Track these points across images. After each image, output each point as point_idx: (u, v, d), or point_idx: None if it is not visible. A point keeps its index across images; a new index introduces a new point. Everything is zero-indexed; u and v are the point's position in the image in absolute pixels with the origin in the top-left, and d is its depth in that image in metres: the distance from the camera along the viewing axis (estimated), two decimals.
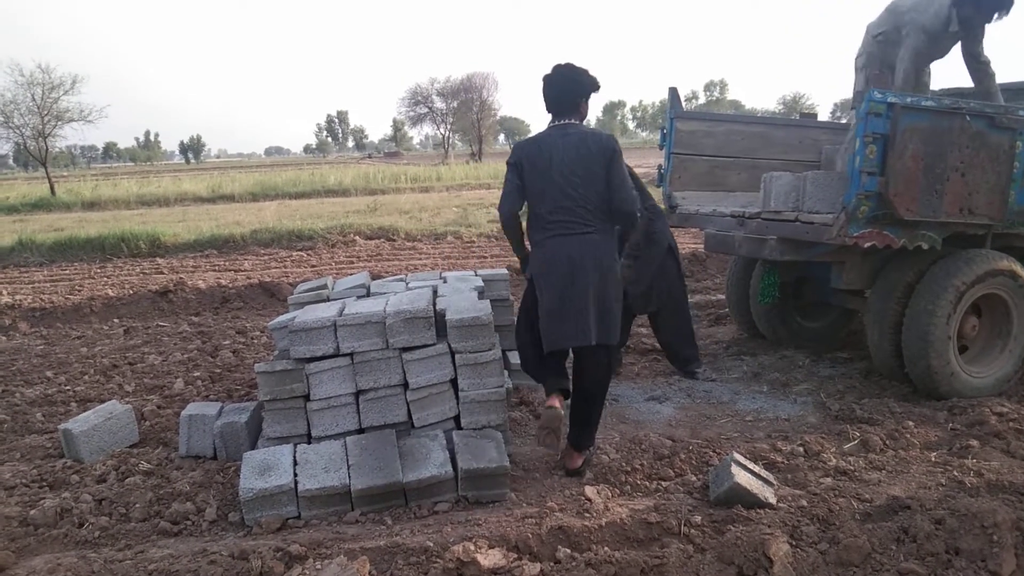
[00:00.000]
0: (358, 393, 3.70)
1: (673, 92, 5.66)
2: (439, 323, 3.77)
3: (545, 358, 3.68)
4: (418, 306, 3.75)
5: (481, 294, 4.54)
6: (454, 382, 3.74)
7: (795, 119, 6.75)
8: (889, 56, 4.94)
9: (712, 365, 5.35)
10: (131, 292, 8.60)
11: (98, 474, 3.73)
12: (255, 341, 6.54)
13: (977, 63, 4.95)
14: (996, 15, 4.78)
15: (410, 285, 4.77)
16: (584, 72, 3.64)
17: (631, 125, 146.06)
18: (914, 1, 4.85)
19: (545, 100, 3.66)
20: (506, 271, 5.25)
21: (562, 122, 3.61)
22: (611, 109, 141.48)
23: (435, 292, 4.39)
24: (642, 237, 4.87)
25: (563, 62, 3.63)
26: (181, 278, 9.14)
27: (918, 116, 3.99)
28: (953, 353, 4.36)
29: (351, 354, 3.67)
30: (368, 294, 4.62)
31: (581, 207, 3.49)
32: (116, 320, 7.69)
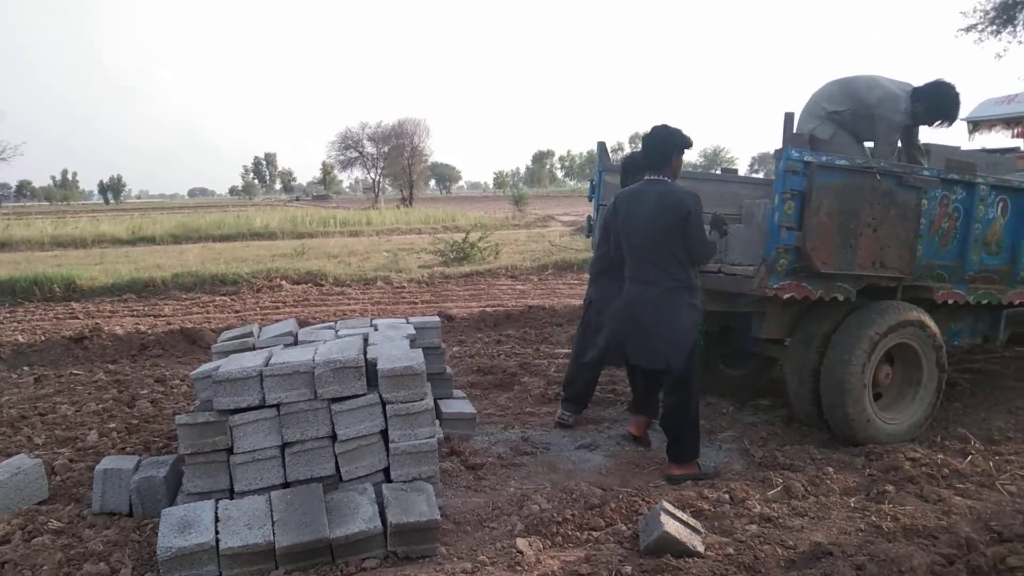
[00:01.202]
0: (284, 445, 3.60)
1: (601, 146, 5.82)
2: (370, 372, 3.72)
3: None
4: (348, 355, 3.70)
5: (413, 342, 4.51)
6: (384, 433, 3.68)
7: (717, 174, 7.01)
8: (855, 131, 5.21)
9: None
10: (43, 338, 8.23)
11: (1, 535, 3.51)
12: (175, 390, 6.32)
13: (915, 150, 5.31)
14: (938, 122, 5.17)
15: (340, 333, 4.71)
16: (677, 131, 4.18)
17: (559, 174, 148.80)
18: (878, 96, 5.07)
19: (642, 155, 4.29)
20: (437, 318, 5.25)
21: (652, 177, 4.19)
22: (540, 158, 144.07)
23: (366, 340, 4.34)
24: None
25: (660, 123, 4.20)
26: (97, 323, 8.78)
27: (832, 174, 4.21)
28: (868, 401, 4.54)
29: (277, 405, 3.58)
30: (296, 342, 4.54)
31: (652, 258, 4.10)
32: (26, 368, 7.31)
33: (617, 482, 4.09)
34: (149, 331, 8.55)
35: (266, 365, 3.65)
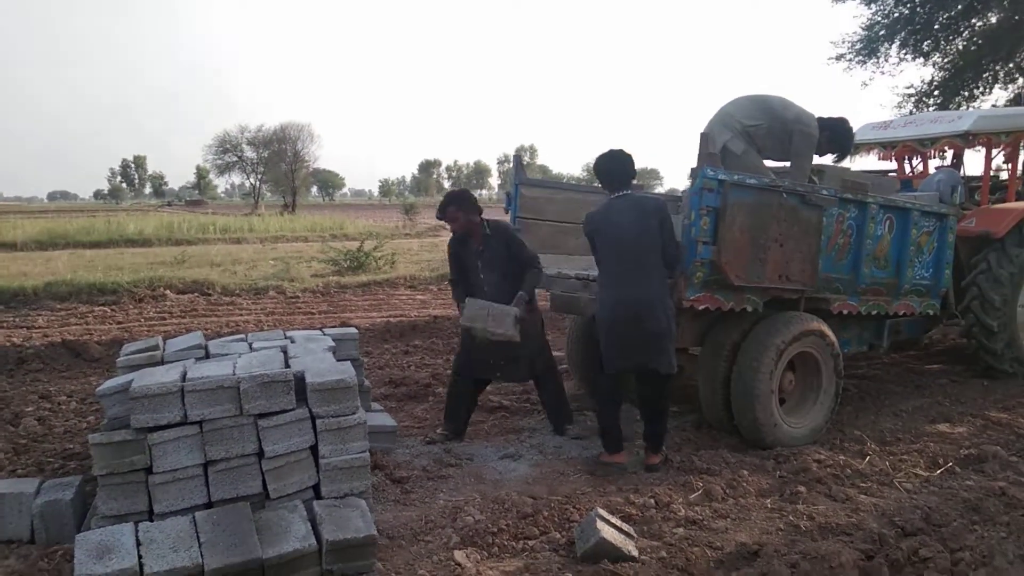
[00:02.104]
0: (207, 464, 3.43)
1: (517, 159, 5.90)
2: (297, 386, 3.61)
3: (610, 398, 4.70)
4: (275, 369, 3.58)
5: (334, 354, 4.40)
6: (313, 448, 3.58)
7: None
8: (765, 147, 5.39)
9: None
10: None
11: None
12: (62, 407, 5.89)
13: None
14: (834, 155, 5.65)
15: (255, 346, 4.53)
16: (630, 156, 4.63)
17: (446, 183, 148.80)
18: (795, 113, 5.30)
19: (601, 176, 4.65)
20: (355, 330, 5.15)
21: (620, 193, 4.55)
22: (427, 167, 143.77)
23: (286, 353, 4.21)
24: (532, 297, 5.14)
25: (614, 148, 4.62)
26: None
27: (744, 192, 4.43)
28: (775, 406, 4.79)
29: (200, 422, 3.41)
30: (208, 355, 4.34)
31: (643, 263, 4.37)
32: None
33: (545, 490, 4.13)
34: (26, 344, 7.94)
35: (185, 380, 3.48)
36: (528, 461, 4.67)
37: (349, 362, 3.95)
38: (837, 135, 5.47)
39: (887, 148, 7.59)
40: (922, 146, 7.25)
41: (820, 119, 5.38)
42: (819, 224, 4.80)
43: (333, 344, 4.56)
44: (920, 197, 6.06)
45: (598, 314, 4.59)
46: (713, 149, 5.25)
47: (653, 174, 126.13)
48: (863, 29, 14.60)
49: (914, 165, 7.98)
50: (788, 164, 5.34)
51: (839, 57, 14.99)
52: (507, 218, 5.85)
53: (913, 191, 6.87)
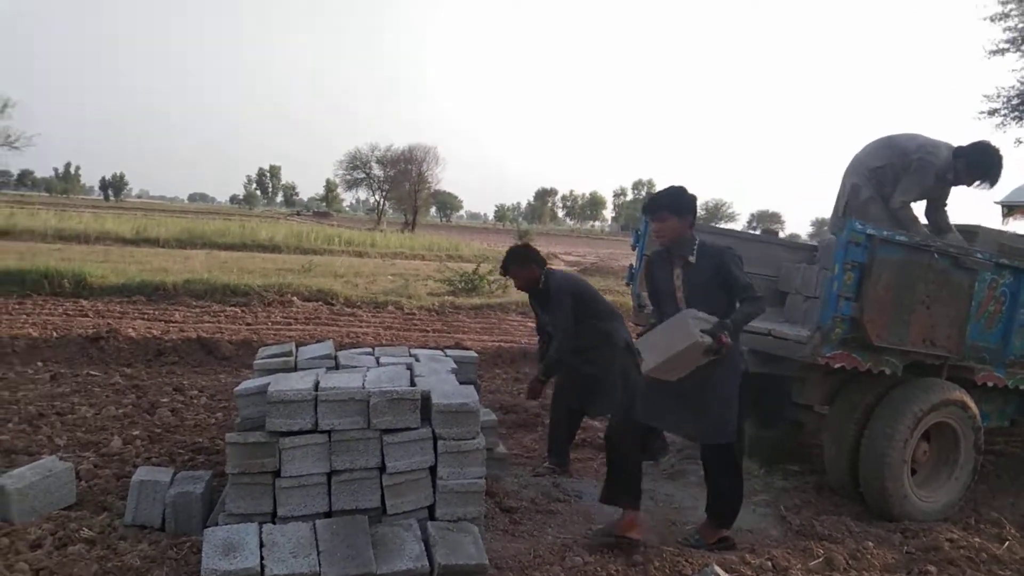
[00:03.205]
0: (331, 473, 3.54)
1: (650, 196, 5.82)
2: (423, 406, 3.68)
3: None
4: (403, 386, 3.67)
5: (456, 377, 4.47)
6: (432, 469, 3.63)
7: (759, 235, 7.05)
8: (884, 187, 5.21)
9: (671, 467, 5.38)
10: (56, 335, 8.12)
11: (32, 539, 3.42)
12: (194, 401, 6.24)
13: (943, 220, 5.31)
14: (978, 183, 5.15)
15: (381, 360, 4.66)
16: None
17: (560, 213, 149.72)
18: (919, 143, 5.15)
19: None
20: (475, 354, 5.23)
21: None
22: (542, 195, 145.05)
23: (411, 371, 4.30)
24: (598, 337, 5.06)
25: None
26: (111, 324, 8.70)
27: (892, 249, 4.23)
28: (907, 476, 4.51)
29: (329, 431, 3.53)
30: (337, 366, 4.49)
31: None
32: (40, 363, 7.22)
33: (655, 538, 4.03)
34: (164, 337, 8.46)
35: (317, 389, 3.61)
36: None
37: (472, 387, 3.99)
38: (976, 160, 5.06)
39: None
40: None
41: (958, 147, 5.09)
42: (970, 288, 4.52)
43: (454, 366, 4.64)
44: None
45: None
46: (863, 198, 5.08)
47: (774, 217, 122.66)
48: (1021, 83, 13.76)
49: None
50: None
51: (992, 112, 14.15)
52: (634, 255, 5.80)
53: None
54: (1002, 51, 13.60)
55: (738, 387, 3.82)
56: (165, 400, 6.17)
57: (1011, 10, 13.26)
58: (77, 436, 5.05)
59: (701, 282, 3.80)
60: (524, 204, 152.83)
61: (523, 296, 14.76)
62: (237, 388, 3.95)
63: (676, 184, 3.92)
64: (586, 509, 4.43)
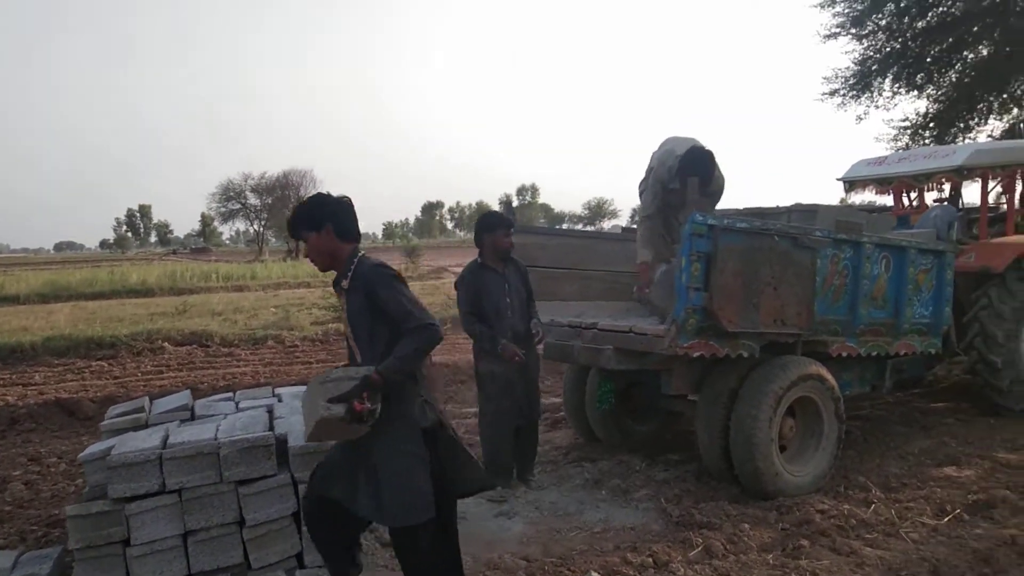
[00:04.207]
0: (187, 534, 3.33)
1: (507, 206, 5.85)
2: (280, 450, 3.52)
3: None
4: (256, 432, 3.49)
5: None
6: (296, 515, 3.47)
7: (618, 234, 7.18)
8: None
9: (555, 472, 5.37)
10: None
11: None
12: (52, 469, 5.79)
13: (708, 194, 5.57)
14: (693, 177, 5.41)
15: (241, 405, 4.45)
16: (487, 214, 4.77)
17: (449, 224, 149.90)
18: (660, 153, 5.61)
19: None
20: None
21: None
22: (429, 209, 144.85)
23: (271, 413, 4.12)
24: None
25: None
26: None
27: (735, 237, 4.37)
28: (776, 454, 4.66)
29: (179, 490, 3.32)
30: (193, 417, 4.25)
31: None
32: None
33: (540, 551, 4.00)
34: (18, 403, 7.86)
35: (164, 446, 3.40)
36: (523, 519, 4.53)
37: None
38: (685, 161, 5.41)
39: (883, 184, 7.54)
40: (917, 182, 7.21)
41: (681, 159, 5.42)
42: (813, 266, 4.72)
43: None
44: (917, 234, 5.99)
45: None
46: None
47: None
48: (855, 64, 14.68)
49: (911, 200, 7.92)
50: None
51: (833, 93, 15.04)
52: None
53: (911, 227, 6.81)
54: (835, 35, 14.49)
55: (417, 452, 2.89)
56: (18, 473, 5.70)
57: None
58: None
59: (356, 312, 3.00)
60: (412, 219, 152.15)
61: None
62: (81, 454, 3.69)
63: (314, 194, 3.17)
64: (470, 530, 4.32)
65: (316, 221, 2.97)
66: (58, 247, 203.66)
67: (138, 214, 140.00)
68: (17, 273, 35.64)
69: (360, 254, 3.02)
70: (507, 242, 4.97)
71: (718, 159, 5.44)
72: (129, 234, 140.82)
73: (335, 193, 3.07)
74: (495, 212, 5.22)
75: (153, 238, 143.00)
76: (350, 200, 3.07)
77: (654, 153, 5.67)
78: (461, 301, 5.01)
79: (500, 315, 4.89)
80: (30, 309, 19.42)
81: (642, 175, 5.76)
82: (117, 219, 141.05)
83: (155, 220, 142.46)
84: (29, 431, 7.18)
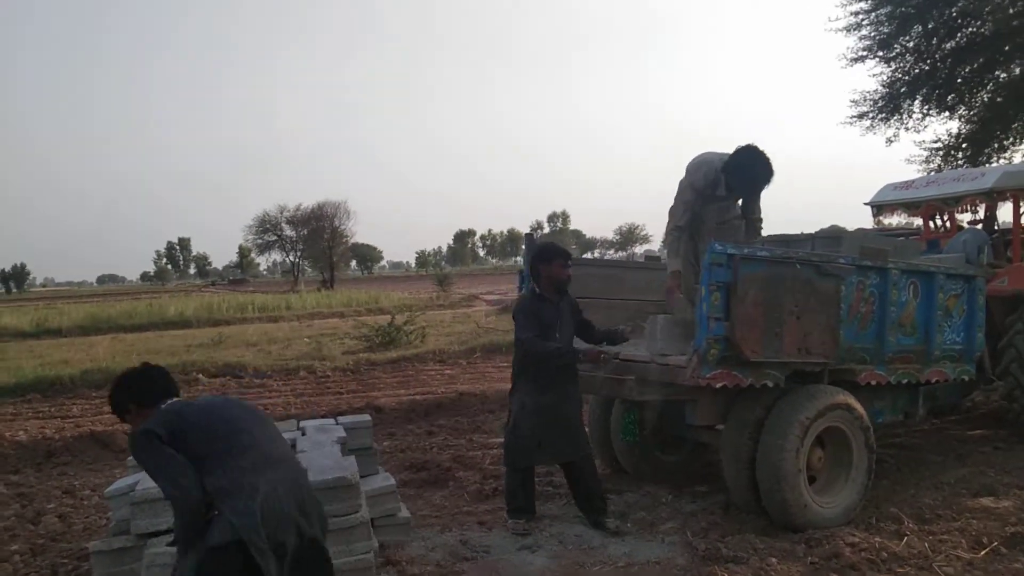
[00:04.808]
0: None
1: (529, 237, 5.88)
2: None
3: None
4: None
5: (343, 445, 4.34)
6: None
7: (643, 262, 7.17)
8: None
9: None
10: None
11: None
12: (85, 502, 5.90)
13: (751, 219, 5.43)
14: (749, 189, 5.27)
15: None
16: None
17: (481, 252, 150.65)
18: (690, 164, 5.39)
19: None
20: (368, 418, 5.10)
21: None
22: (461, 237, 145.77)
23: (294, 447, 4.16)
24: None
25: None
26: None
27: (755, 265, 4.34)
28: (804, 485, 4.57)
29: None
30: None
31: None
32: None
33: None
34: (56, 436, 8.03)
35: None
36: (546, 552, 4.49)
37: (352, 457, 3.88)
38: (735, 168, 5.11)
39: (911, 208, 7.44)
40: (946, 205, 7.10)
41: (724, 162, 5.15)
42: (837, 294, 4.67)
43: (344, 435, 4.51)
44: (945, 259, 5.89)
45: None
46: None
47: None
48: (883, 86, 14.54)
49: (943, 223, 7.80)
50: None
51: (861, 116, 14.89)
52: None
53: (941, 252, 6.70)
54: (862, 59, 14.37)
55: None
56: (52, 506, 5.82)
57: (863, 20, 14.06)
58: None
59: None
60: (445, 248, 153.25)
61: (440, 345, 14.75)
62: (107, 489, 3.76)
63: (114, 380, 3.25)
64: (493, 565, 4.33)
65: (122, 407, 3.04)
66: (100, 280, 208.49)
67: (177, 246, 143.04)
68: (60, 306, 36.58)
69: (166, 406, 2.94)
70: (564, 273, 4.85)
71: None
72: (169, 266, 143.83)
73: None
74: (551, 244, 5.11)
75: (192, 270, 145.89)
76: (143, 368, 3.19)
77: (688, 165, 5.40)
78: (523, 327, 4.81)
79: None
80: (71, 342, 19.91)
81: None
82: (157, 252, 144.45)
83: (194, 252, 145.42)
84: (65, 463, 7.32)
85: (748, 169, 5.11)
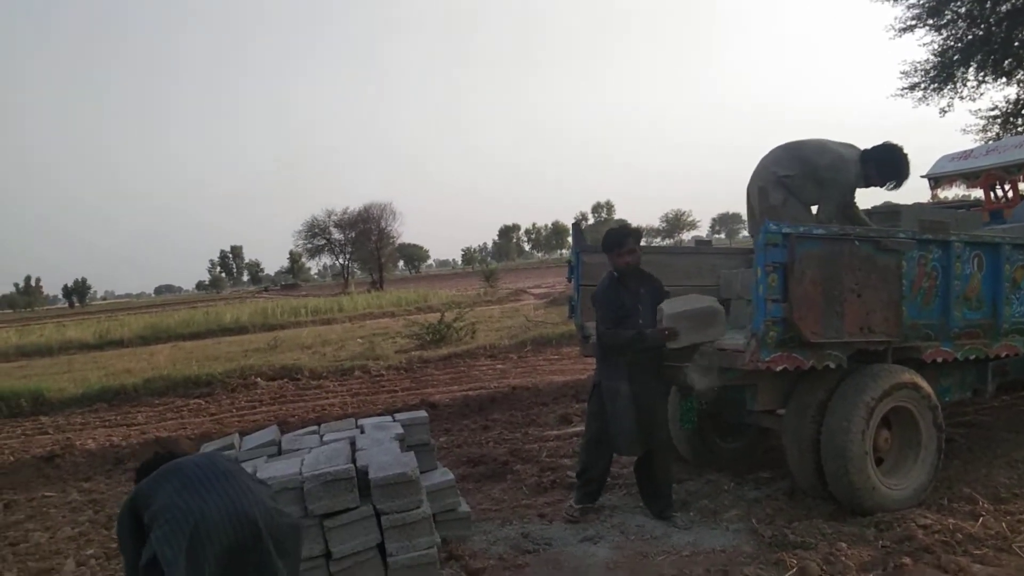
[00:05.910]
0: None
1: (576, 227, 5.83)
2: (361, 482, 3.57)
3: None
4: (338, 466, 3.56)
5: (402, 442, 4.37)
6: (381, 546, 3.51)
7: (692, 247, 7.05)
8: (804, 196, 5.29)
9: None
10: (11, 459, 7.89)
11: None
12: None
13: (854, 213, 5.33)
14: (890, 184, 5.25)
15: (325, 438, 4.55)
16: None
17: (526, 246, 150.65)
18: (829, 160, 5.19)
19: None
20: (425, 414, 5.11)
21: None
22: (506, 232, 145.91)
23: (353, 445, 4.19)
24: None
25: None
26: (68, 438, 8.48)
27: (811, 244, 4.22)
28: (871, 467, 4.45)
29: None
30: (280, 452, 4.37)
31: None
32: None
33: (626, 574, 3.92)
34: (123, 443, 8.26)
35: None
36: (608, 543, 4.45)
37: (412, 453, 3.89)
38: (884, 164, 5.16)
39: (971, 179, 7.18)
40: (1008, 173, 6.83)
41: (863, 152, 5.16)
42: (899, 269, 4.52)
43: (402, 431, 4.53)
44: (1009, 229, 5.67)
45: None
46: (775, 202, 5.09)
47: (736, 218, 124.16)
48: (935, 55, 14.08)
49: (1004, 193, 7.51)
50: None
51: (912, 87, 14.44)
52: (571, 287, 5.76)
53: (1004, 222, 6.45)
54: (911, 28, 13.93)
55: None
56: None
57: None
58: (28, 565, 4.86)
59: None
60: (490, 243, 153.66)
61: (490, 340, 14.79)
62: None
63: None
64: (556, 557, 4.30)
65: None
66: (158, 290, 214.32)
67: (230, 255, 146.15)
68: (121, 318, 37.67)
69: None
70: (622, 261, 4.74)
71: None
72: (223, 275, 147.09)
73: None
74: (612, 230, 4.93)
75: (245, 277, 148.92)
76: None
77: (829, 161, 5.22)
78: (601, 318, 4.75)
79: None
80: (133, 352, 20.50)
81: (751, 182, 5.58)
82: (211, 261, 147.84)
83: (247, 260, 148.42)
84: (133, 470, 7.49)
85: (897, 166, 5.19)
